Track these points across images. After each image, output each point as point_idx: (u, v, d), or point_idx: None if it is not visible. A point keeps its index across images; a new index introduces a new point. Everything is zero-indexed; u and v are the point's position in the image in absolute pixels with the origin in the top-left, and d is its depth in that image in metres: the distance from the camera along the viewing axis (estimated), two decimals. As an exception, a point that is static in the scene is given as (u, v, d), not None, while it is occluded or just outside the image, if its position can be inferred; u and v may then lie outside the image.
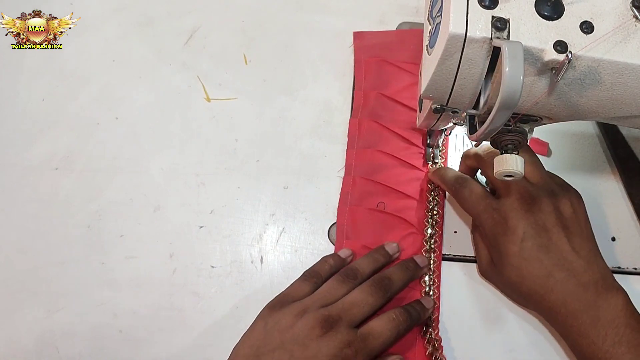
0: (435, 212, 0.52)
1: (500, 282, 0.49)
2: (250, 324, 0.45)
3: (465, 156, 0.52)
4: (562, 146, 0.56)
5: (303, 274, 0.48)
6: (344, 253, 0.50)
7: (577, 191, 0.48)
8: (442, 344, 0.48)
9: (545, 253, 0.44)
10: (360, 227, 0.52)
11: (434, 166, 0.53)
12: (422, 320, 0.48)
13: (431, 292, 0.49)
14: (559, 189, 0.47)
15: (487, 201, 0.47)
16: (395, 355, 0.46)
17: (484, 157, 0.48)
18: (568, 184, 0.48)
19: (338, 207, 0.53)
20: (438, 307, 0.49)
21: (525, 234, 0.45)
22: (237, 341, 0.44)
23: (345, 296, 0.45)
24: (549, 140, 0.55)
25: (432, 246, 0.51)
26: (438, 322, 0.49)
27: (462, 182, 0.49)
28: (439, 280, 0.50)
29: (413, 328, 0.47)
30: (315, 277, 0.48)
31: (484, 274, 0.50)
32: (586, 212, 0.47)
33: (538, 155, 0.50)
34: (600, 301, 0.43)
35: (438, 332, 0.48)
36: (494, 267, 0.48)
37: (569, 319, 0.44)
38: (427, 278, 0.50)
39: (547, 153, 0.55)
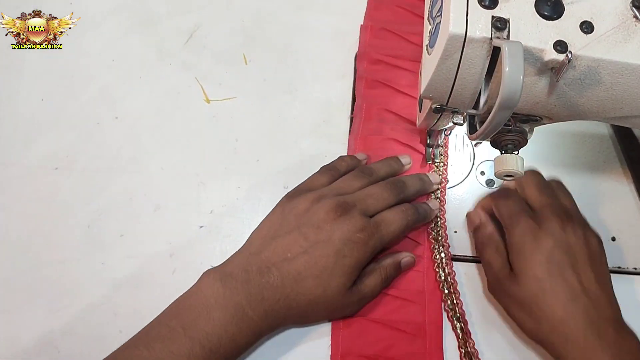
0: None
1: (516, 296, 0.44)
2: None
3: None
4: (571, 145, 0.55)
5: (320, 168, 0.51)
6: (360, 156, 0.52)
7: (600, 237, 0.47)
8: (448, 240, 0.50)
9: (571, 274, 0.43)
10: None
11: (435, 166, 0.53)
12: (429, 219, 0.50)
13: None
14: (588, 227, 0.47)
15: (525, 209, 0.46)
16: (407, 253, 0.49)
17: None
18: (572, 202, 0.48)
19: None
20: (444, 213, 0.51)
21: (555, 247, 0.43)
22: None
23: (361, 189, 0.47)
24: (558, 139, 0.55)
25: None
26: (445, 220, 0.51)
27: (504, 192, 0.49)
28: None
29: (420, 223, 0.49)
30: (332, 170, 0.50)
31: (497, 286, 0.46)
32: (591, 228, 0.47)
33: None
34: (621, 340, 0.41)
35: (445, 229, 0.51)
36: (511, 279, 0.45)
37: (588, 353, 0.41)
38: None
39: None
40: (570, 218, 0.46)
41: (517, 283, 0.44)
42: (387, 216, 0.46)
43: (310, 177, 0.50)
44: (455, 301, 0.49)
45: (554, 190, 0.49)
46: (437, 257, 0.50)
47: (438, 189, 0.52)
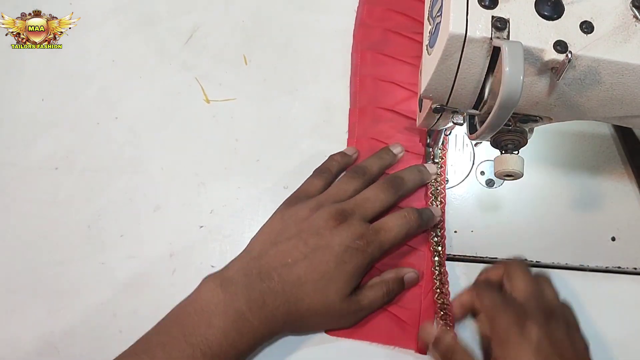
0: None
1: None
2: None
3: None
4: (571, 145, 0.55)
5: (314, 171, 0.51)
6: (349, 150, 0.53)
7: (570, 309, 0.45)
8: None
9: None
10: None
11: (435, 165, 0.53)
12: (430, 226, 0.50)
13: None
14: (576, 328, 0.44)
15: (510, 300, 0.43)
16: (411, 269, 0.48)
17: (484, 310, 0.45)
18: (561, 301, 0.45)
19: None
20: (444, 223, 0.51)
21: (543, 338, 0.41)
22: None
23: (358, 193, 0.47)
24: (558, 139, 0.55)
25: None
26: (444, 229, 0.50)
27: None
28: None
29: (422, 230, 0.49)
30: (325, 172, 0.51)
31: None
32: (580, 331, 0.44)
33: None
34: None
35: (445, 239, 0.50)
36: None
37: None
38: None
39: None
40: (554, 314, 0.43)
41: None
42: (387, 222, 0.46)
43: (305, 182, 0.50)
44: (444, 303, 0.48)
45: (541, 284, 0.46)
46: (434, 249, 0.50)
47: (438, 180, 0.51)
